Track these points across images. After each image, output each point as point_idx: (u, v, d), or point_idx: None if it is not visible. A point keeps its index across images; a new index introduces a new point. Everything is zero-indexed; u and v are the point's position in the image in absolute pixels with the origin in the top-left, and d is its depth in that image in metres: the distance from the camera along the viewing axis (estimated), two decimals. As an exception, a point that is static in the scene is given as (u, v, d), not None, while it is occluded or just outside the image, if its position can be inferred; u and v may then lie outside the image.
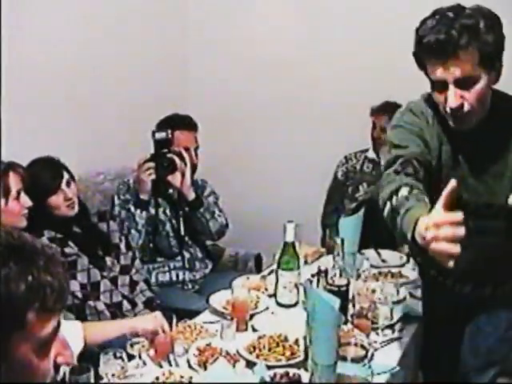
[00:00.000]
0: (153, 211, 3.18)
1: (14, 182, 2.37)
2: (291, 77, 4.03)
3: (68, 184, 2.68)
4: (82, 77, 3.34)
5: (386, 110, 3.55)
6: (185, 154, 3.14)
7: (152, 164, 3.03)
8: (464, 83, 1.81)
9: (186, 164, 3.12)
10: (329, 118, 3.74)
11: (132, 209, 3.08)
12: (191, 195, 3.19)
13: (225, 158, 4.17)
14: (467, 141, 1.96)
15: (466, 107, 1.84)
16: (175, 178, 3.12)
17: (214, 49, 4.21)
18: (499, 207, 1.99)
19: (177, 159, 3.08)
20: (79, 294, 2.63)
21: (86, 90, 3.36)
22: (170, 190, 3.24)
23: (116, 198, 3.17)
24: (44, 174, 2.64)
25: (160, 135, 3.04)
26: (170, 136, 3.06)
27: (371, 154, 3.77)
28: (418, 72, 1.97)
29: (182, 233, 3.28)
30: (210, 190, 3.41)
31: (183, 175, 3.12)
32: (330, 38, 3.87)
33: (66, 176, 2.68)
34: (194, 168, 3.24)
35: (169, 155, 3.07)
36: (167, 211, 3.25)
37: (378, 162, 3.68)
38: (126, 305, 2.78)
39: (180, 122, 3.27)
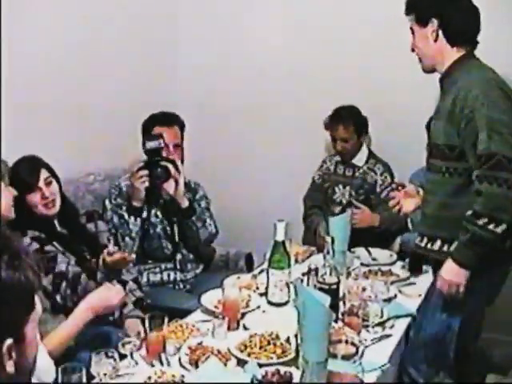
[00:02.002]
0: (145, 215, 3.17)
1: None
2: (280, 76, 4.03)
3: (48, 183, 2.62)
4: (72, 78, 3.32)
5: (341, 119, 3.59)
6: (178, 163, 3.11)
7: (145, 172, 3.00)
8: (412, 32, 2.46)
9: (179, 171, 3.10)
10: (318, 117, 3.73)
11: (125, 216, 3.07)
12: (185, 203, 3.17)
13: (215, 158, 4.18)
14: (441, 89, 2.48)
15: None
16: (169, 186, 3.09)
17: (203, 49, 4.20)
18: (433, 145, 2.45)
19: (170, 167, 3.06)
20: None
21: (75, 91, 3.35)
22: (165, 197, 3.21)
23: (108, 202, 3.16)
24: (22, 172, 2.59)
25: (152, 144, 3.01)
26: (161, 145, 3.03)
27: (339, 158, 3.76)
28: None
29: (177, 239, 3.26)
30: (202, 194, 3.40)
31: (177, 182, 3.10)
32: (319, 37, 3.86)
33: (44, 174, 2.61)
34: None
35: (162, 163, 3.05)
36: (159, 215, 3.23)
37: (347, 161, 3.71)
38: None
39: (159, 119, 3.24)
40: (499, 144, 2.17)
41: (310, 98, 3.93)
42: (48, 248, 2.61)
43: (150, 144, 3.02)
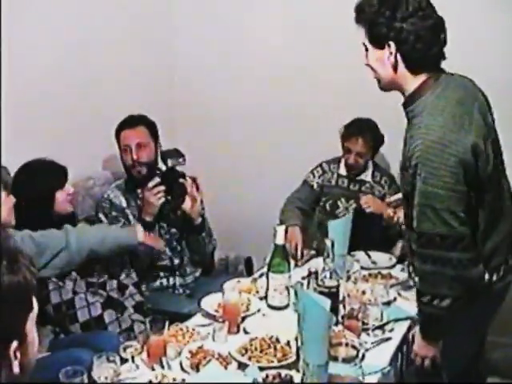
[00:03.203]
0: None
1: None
2: (281, 76, 4.00)
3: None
4: (71, 81, 3.32)
5: (361, 132, 3.38)
6: (199, 181, 3.11)
7: (162, 188, 2.99)
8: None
9: (198, 190, 3.09)
10: (320, 120, 3.73)
11: None
12: (198, 220, 3.17)
13: (214, 161, 4.17)
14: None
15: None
16: (186, 203, 3.09)
17: (203, 48, 4.18)
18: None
19: (187, 185, 3.06)
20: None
21: (74, 95, 3.36)
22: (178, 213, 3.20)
23: (102, 216, 3.14)
24: (53, 169, 2.72)
25: (172, 161, 3.00)
26: (183, 162, 3.01)
27: (343, 172, 3.54)
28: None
29: (179, 248, 3.25)
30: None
31: (194, 200, 3.09)
32: (319, 38, 3.85)
33: None
34: (155, 163, 3.19)
35: (181, 180, 3.06)
36: (163, 225, 3.20)
37: (353, 178, 3.52)
38: (106, 316, 2.75)
39: (124, 122, 3.21)
40: (431, 221, 1.97)
41: (311, 99, 3.89)
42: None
43: (171, 161, 3.00)
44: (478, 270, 2.04)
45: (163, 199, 3.01)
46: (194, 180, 3.09)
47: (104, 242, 2.60)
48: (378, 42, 2.04)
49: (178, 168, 3.08)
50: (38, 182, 2.67)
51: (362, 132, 3.38)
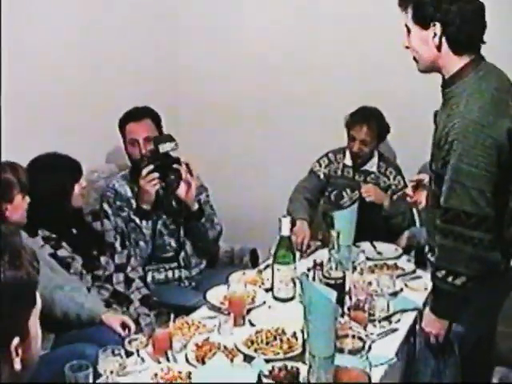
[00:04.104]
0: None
1: (15, 178, 2.36)
2: (282, 70, 3.99)
3: None
4: (74, 75, 3.31)
5: (366, 120, 3.37)
6: (192, 166, 3.07)
7: (157, 175, 2.97)
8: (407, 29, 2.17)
9: (192, 175, 3.05)
10: (325, 112, 3.71)
11: (137, 221, 3.03)
12: (194, 206, 3.14)
13: (219, 153, 4.16)
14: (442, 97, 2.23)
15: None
16: (180, 189, 3.06)
17: (203, 45, 4.17)
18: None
19: (182, 170, 3.02)
20: None
21: (77, 89, 3.34)
22: (173, 201, 3.18)
23: (106, 206, 3.12)
24: (69, 163, 2.73)
25: (165, 147, 2.97)
26: (175, 147, 2.99)
27: (348, 162, 3.53)
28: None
29: (182, 238, 3.23)
30: (199, 185, 3.27)
31: (189, 186, 3.05)
32: (320, 28, 3.83)
33: None
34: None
35: (175, 166, 3.02)
36: (163, 215, 3.18)
37: (358, 168, 3.50)
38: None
39: (129, 115, 3.18)
40: (459, 198, 2.03)
41: (316, 93, 3.87)
42: (60, 253, 2.64)
43: (164, 147, 2.97)
44: (497, 254, 2.08)
45: (158, 186, 3.00)
46: (186, 165, 3.05)
47: (81, 308, 2.50)
48: (423, 22, 2.09)
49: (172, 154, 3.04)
50: (55, 177, 2.67)
51: (367, 120, 3.37)
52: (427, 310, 2.24)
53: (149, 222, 3.05)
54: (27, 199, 2.40)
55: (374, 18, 3.62)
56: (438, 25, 2.06)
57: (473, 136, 2.00)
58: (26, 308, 1.12)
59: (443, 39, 2.08)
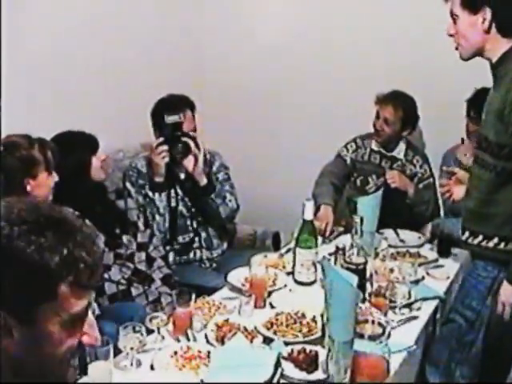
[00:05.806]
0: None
1: (41, 155, 2.36)
2: (307, 59, 3.98)
3: None
4: (96, 57, 3.33)
5: (393, 100, 3.39)
6: (199, 140, 3.07)
7: (165, 147, 2.98)
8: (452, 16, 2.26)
9: (199, 148, 3.05)
10: (349, 99, 3.69)
11: (150, 194, 3.06)
12: (203, 181, 3.12)
13: (242, 137, 4.15)
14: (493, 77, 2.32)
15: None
16: (188, 162, 3.06)
17: (228, 36, 4.17)
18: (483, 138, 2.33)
19: (191, 143, 3.03)
20: None
21: (103, 69, 3.36)
22: (182, 175, 3.18)
23: (129, 185, 3.13)
24: (84, 137, 2.76)
25: (172, 118, 2.98)
26: (182, 119, 3.00)
27: (375, 147, 3.54)
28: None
29: (195, 215, 3.23)
30: (219, 164, 3.30)
31: (196, 159, 3.06)
32: (346, 12, 3.82)
33: None
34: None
35: (183, 139, 3.03)
36: (179, 192, 3.18)
37: (385, 154, 3.51)
38: (133, 289, 2.78)
39: (168, 106, 3.12)
40: None
41: (342, 81, 3.85)
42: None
43: (170, 118, 2.99)
44: None
45: (167, 159, 3.01)
46: (194, 139, 3.05)
47: None
48: (473, 7, 2.17)
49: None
50: (74, 151, 2.70)
51: (394, 100, 3.39)
52: (505, 283, 2.26)
53: (161, 194, 3.07)
54: (54, 177, 2.40)
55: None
56: (487, 9, 2.14)
57: None
58: (35, 297, 1.06)
59: (492, 23, 2.15)
